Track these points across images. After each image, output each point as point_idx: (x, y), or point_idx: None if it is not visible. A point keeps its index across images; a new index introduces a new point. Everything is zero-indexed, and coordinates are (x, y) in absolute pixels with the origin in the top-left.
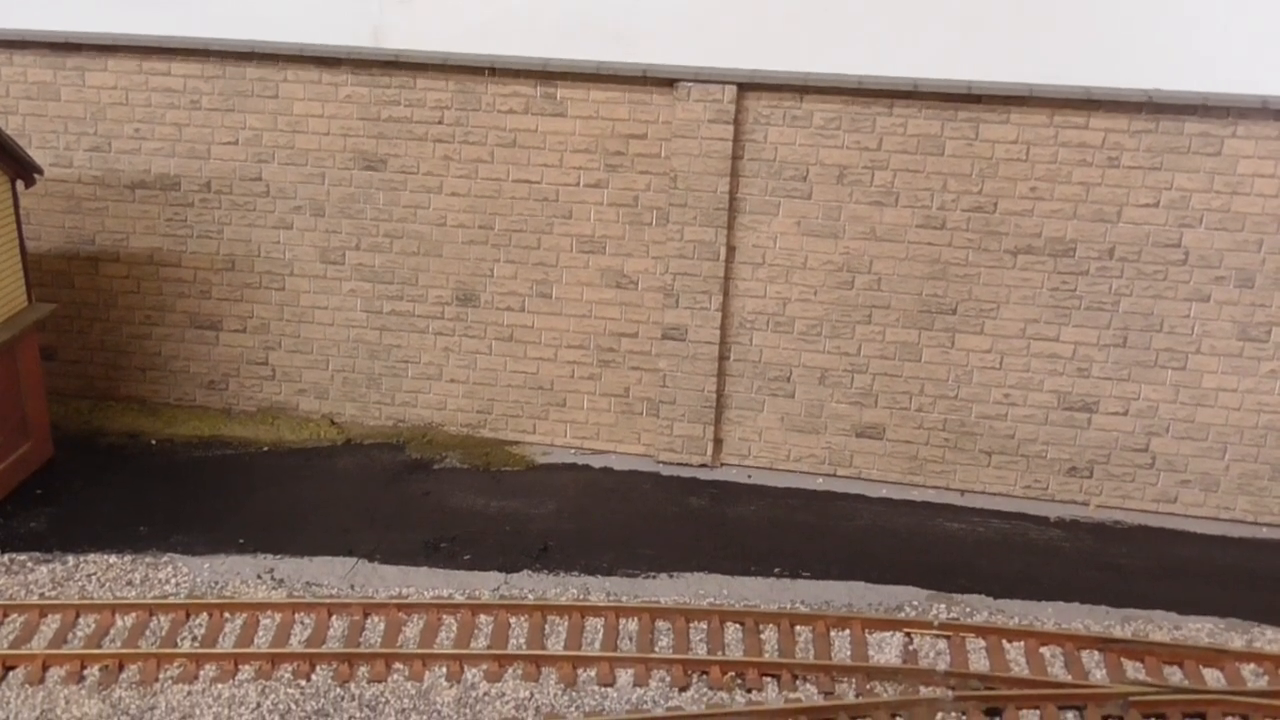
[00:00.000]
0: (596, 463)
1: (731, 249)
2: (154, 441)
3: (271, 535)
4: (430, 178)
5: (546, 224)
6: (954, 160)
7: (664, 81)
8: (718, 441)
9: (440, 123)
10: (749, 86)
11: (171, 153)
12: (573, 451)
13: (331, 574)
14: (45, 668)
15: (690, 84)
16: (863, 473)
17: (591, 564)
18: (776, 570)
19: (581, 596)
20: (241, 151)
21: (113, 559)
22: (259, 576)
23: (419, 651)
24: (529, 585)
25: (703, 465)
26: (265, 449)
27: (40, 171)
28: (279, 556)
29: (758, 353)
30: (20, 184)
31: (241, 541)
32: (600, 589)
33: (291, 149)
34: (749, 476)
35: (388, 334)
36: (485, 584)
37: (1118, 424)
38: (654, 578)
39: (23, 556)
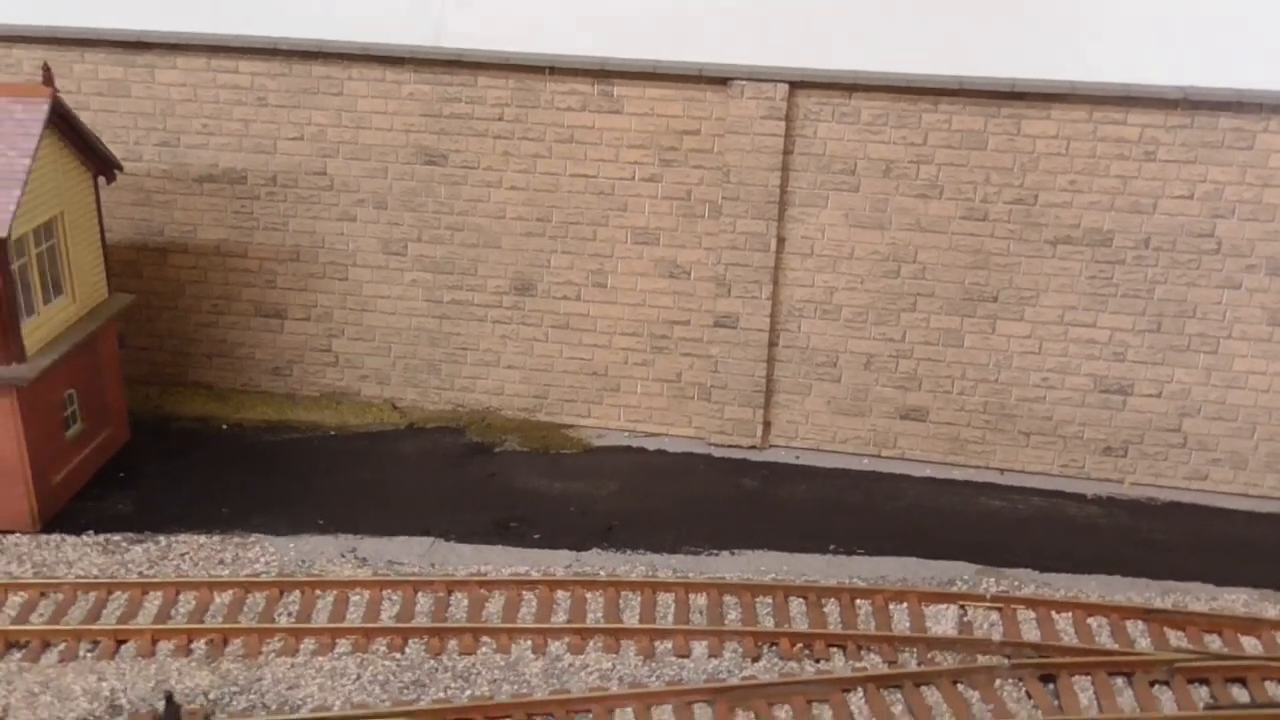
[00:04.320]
0: (650, 445)
1: (781, 240)
2: (224, 426)
3: (348, 516)
4: (490, 172)
5: (602, 216)
6: (996, 154)
7: (718, 80)
8: (766, 424)
9: (500, 119)
10: (800, 84)
11: (239, 147)
12: (626, 434)
13: (410, 553)
14: (154, 642)
15: (744, 82)
16: (906, 453)
17: (655, 542)
18: (831, 547)
19: (650, 573)
20: (307, 146)
21: (202, 539)
22: (342, 555)
23: (504, 626)
24: (599, 563)
25: (752, 447)
26: (331, 433)
27: (120, 168)
28: (359, 537)
29: (806, 339)
30: (101, 179)
31: (321, 522)
32: (666, 566)
33: (356, 144)
34: (797, 458)
35: (447, 322)
36: (557, 562)
37: (1151, 405)
38: (716, 555)
39: (117, 537)
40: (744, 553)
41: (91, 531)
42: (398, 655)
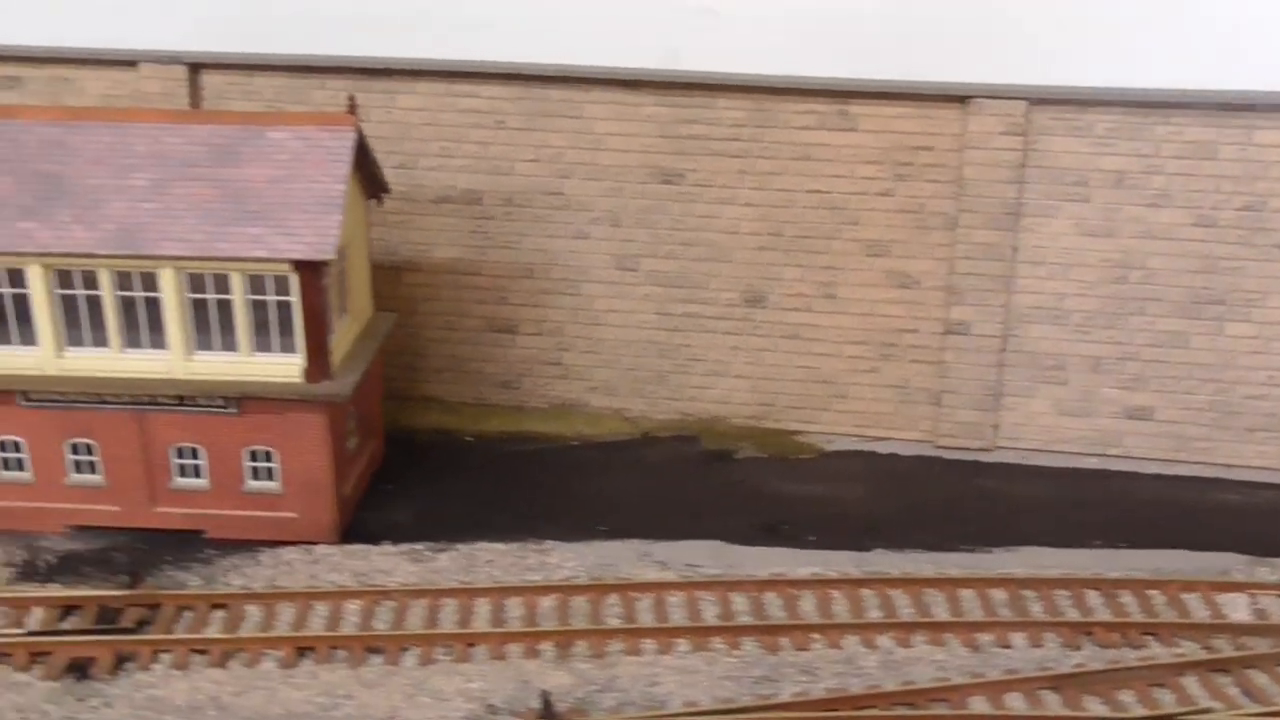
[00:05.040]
0: (881, 449)
1: (1014, 249)
2: (468, 438)
3: (625, 522)
4: (725, 190)
5: (834, 230)
6: (1227, 163)
7: (954, 98)
8: (994, 427)
9: (737, 139)
10: (1038, 101)
11: (475, 169)
12: (854, 439)
13: (702, 555)
14: (502, 644)
15: (984, 100)
16: (1131, 452)
17: (926, 541)
18: (1096, 542)
19: (940, 571)
20: (543, 168)
21: (501, 547)
22: (640, 559)
23: (825, 622)
24: (884, 563)
25: (982, 449)
26: (573, 443)
27: (388, 190)
28: (648, 541)
29: (1034, 344)
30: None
31: (604, 529)
32: (949, 563)
33: (593, 165)
34: (1025, 459)
35: (678, 334)
36: (843, 562)
37: None
38: (990, 552)
39: (419, 546)
40: (1017, 549)
41: (389, 542)
42: (737, 653)
